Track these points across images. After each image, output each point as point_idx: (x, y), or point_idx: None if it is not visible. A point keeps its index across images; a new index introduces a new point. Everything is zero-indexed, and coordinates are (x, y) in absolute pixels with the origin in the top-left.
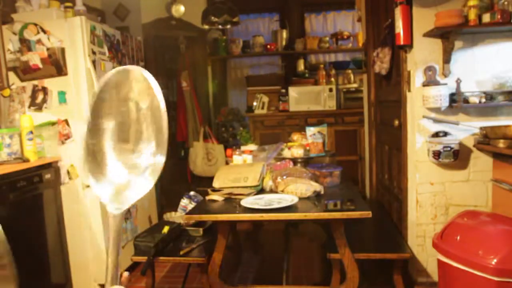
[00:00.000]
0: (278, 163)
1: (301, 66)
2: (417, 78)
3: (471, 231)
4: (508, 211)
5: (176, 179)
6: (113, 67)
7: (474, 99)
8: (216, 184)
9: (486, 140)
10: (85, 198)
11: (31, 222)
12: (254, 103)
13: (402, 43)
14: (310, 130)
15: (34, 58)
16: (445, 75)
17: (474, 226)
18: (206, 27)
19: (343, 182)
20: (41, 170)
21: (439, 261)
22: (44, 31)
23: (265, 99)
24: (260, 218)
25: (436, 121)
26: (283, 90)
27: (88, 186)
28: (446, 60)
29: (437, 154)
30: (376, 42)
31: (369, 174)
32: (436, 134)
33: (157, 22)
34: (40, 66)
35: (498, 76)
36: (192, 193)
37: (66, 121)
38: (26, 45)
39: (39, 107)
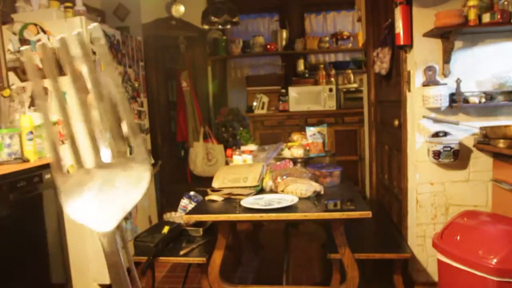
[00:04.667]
0: (278, 163)
1: (301, 66)
2: (417, 78)
3: (471, 231)
4: (508, 211)
5: (176, 179)
6: (113, 67)
7: (474, 99)
8: (215, 184)
9: (486, 140)
10: None
11: (31, 222)
12: (254, 103)
13: (402, 43)
14: (310, 130)
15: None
16: (445, 75)
17: (474, 226)
18: (206, 27)
19: (343, 182)
20: (41, 170)
21: (439, 261)
22: (44, 31)
23: (265, 99)
24: (260, 218)
25: (436, 121)
26: (283, 90)
27: None
28: (446, 60)
29: (437, 154)
30: (376, 42)
31: (369, 174)
32: (436, 134)
33: (157, 22)
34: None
35: (498, 76)
36: (192, 193)
37: None
38: (26, 45)
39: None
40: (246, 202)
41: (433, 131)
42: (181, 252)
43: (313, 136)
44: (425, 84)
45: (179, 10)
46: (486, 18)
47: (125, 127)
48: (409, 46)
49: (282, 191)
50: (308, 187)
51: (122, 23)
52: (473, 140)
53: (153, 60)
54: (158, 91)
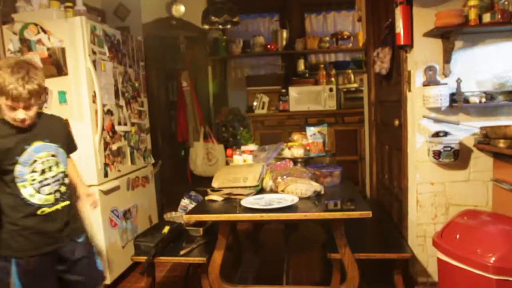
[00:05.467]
0: (278, 163)
1: (301, 66)
2: (418, 78)
3: (471, 230)
4: (508, 211)
5: (176, 179)
6: (113, 67)
7: (474, 99)
8: (215, 184)
9: (486, 140)
10: None
11: None
12: (254, 103)
13: (402, 43)
14: (310, 130)
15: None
16: (445, 75)
17: (474, 225)
18: (207, 27)
19: (343, 182)
20: None
21: (439, 260)
22: (45, 31)
23: (265, 99)
24: (260, 218)
25: (436, 121)
26: (283, 90)
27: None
28: (447, 60)
29: (437, 154)
30: (376, 42)
31: (369, 174)
32: (436, 134)
33: (157, 22)
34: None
35: (498, 76)
36: (192, 193)
37: (66, 121)
38: (26, 45)
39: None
40: (246, 202)
41: (433, 131)
42: (181, 252)
43: (313, 136)
44: (426, 84)
45: (179, 10)
46: (486, 18)
47: None
48: (409, 46)
49: (282, 191)
50: (308, 187)
51: (122, 23)
52: (474, 140)
53: (154, 60)
54: (159, 91)
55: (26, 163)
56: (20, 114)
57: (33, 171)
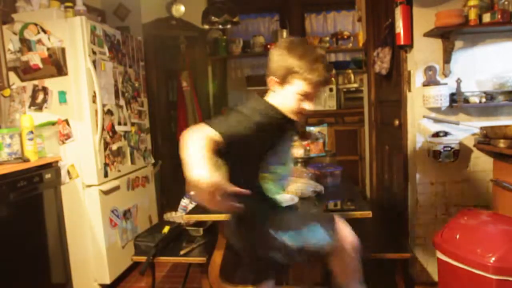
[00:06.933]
0: None
1: None
2: (418, 78)
3: (471, 230)
4: (508, 211)
5: (176, 179)
6: (113, 67)
7: (474, 99)
8: None
9: (486, 140)
10: (85, 198)
11: (31, 222)
12: None
13: (402, 43)
14: (311, 130)
15: (34, 58)
16: (445, 75)
17: (474, 225)
18: (207, 27)
19: (344, 182)
20: (41, 170)
21: (439, 260)
22: (45, 31)
23: None
24: None
25: (436, 121)
26: None
27: (88, 186)
28: (447, 60)
29: (437, 154)
30: (376, 42)
31: (369, 174)
32: (436, 134)
33: (157, 22)
34: (41, 66)
35: (499, 76)
36: (192, 193)
37: (66, 121)
38: (26, 45)
39: (39, 107)
40: None
41: (433, 131)
42: (181, 252)
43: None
44: (426, 84)
45: (179, 10)
46: (486, 18)
47: None
48: (409, 46)
49: None
50: (308, 187)
51: (122, 23)
52: (474, 140)
53: (153, 60)
54: (158, 91)
55: (280, 152)
56: (311, 103)
57: (278, 163)
